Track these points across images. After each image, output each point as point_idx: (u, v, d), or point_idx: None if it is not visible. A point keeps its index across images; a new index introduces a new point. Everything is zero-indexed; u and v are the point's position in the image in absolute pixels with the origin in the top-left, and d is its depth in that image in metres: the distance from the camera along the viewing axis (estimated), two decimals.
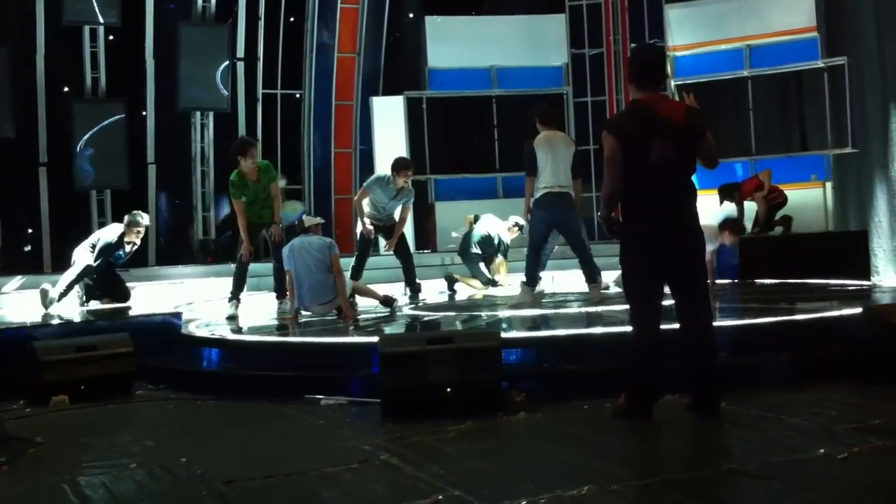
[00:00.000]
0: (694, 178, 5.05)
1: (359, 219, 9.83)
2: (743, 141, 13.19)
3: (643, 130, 4.81)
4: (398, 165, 9.60)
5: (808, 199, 12.62)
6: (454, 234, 13.21)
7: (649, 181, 4.81)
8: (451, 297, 10.55)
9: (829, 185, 12.74)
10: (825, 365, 5.71)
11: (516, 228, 11.05)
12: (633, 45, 14.09)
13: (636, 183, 4.82)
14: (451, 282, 10.93)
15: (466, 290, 10.81)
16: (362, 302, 8.93)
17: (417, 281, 9.83)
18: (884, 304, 6.86)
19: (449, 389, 5.27)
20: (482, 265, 10.94)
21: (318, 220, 8.79)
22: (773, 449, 4.11)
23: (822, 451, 3.98)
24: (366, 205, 9.72)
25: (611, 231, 5.03)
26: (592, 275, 8.70)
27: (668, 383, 4.98)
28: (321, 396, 5.90)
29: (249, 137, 10.31)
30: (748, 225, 11.95)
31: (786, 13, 13.08)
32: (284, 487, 3.93)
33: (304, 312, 8.39)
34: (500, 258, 11.04)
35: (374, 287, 9.12)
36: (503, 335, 5.75)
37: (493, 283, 10.83)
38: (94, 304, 9.81)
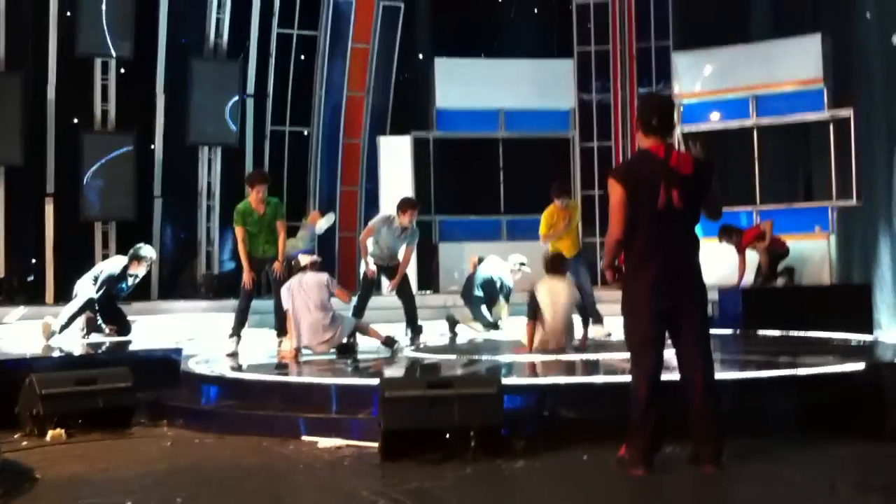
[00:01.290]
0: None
1: (362, 258, 9.83)
2: (747, 190, 13.19)
3: (650, 179, 4.83)
4: (404, 205, 9.60)
5: (812, 250, 12.58)
6: (456, 275, 13.22)
7: (654, 229, 4.82)
8: (453, 339, 10.52)
9: (833, 237, 12.72)
10: (828, 419, 5.67)
11: (519, 268, 11.09)
12: (640, 90, 14.18)
13: (640, 231, 4.83)
14: (452, 324, 10.90)
15: (468, 332, 10.78)
16: (363, 342, 8.91)
17: (419, 322, 9.80)
18: (888, 360, 6.83)
19: (448, 435, 5.25)
20: (484, 308, 10.92)
21: (314, 258, 8.82)
22: None
23: None
24: (370, 244, 9.73)
25: (613, 278, 5.04)
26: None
27: (669, 434, 4.93)
28: (319, 438, 5.87)
29: (264, 172, 10.36)
30: (751, 276, 11.93)
31: (793, 63, 13.12)
32: None
33: (304, 351, 8.38)
34: (501, 301, 11.05)
35: (375, 327, 9.10)
36: (504, 381, 5.72)
37: (495, 327, 10.80)
38: (96, 337, 9.80)
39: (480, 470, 4.95)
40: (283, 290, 8.46)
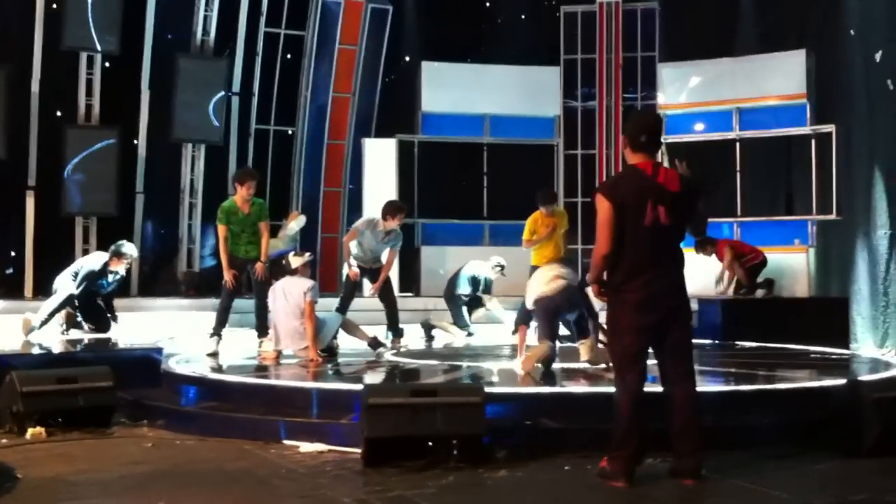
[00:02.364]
0: None
1: (345, 260, 9.84)
2: (729, 202, 13.29)
3: (638, 196, 4.89)
4: (391, 209, 9.62)
5: (791, 263, 12.70)
6: (442, 272, 13.20)
7: (640, 245, 4.88)
8: (429, 343, 10.55)
9: (812, 250, 12.84)
10: (807, 435, 5.74)
11: (498, 268, 11.21)
12: (625, 98, 14.25)
13: (627, 247, 4.88)
14: (427, 329, 10.95)
15: (444, 336, 10.83)
16: (345, 343, 8.91)
17: (400, 326, 9.83)
18: (866, 377, 6.91)
19: (431, 443, 5.27)
20: (465, 309, 11.00)
21: (306, 258, 8.68)
22: None
23: None
24: (353, 246, 9.73)
25: (599, 293, 5.09)
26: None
27: (651, 446, 4.97)
28: (300, 443, 5.87)
29: (253, 170, 10.31)
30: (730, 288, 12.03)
31: (777, 78, 13.23)
32: None
33: (285, 352, 8.37)
34: (489, 297, 11.13)
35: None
36: (487, 389, 5.75)
37: (469, 332, 10.87)
38: (75, 333, 9.76)
39: (462, 478, 4.98)
40: (270, 292, 8.44)
